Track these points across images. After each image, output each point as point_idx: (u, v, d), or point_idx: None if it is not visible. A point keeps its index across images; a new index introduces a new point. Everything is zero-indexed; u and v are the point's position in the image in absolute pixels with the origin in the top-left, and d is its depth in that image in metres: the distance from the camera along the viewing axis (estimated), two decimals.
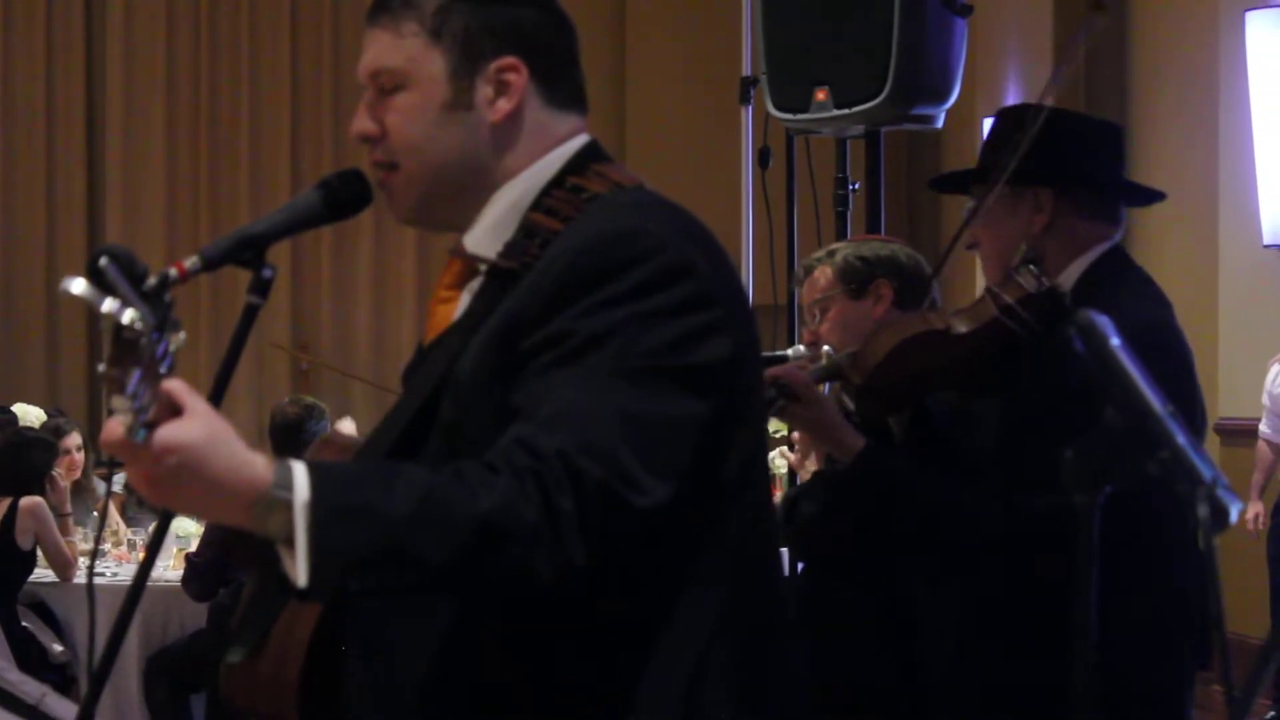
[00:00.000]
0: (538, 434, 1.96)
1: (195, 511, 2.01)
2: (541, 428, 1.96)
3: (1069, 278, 3.20)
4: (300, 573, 1.88)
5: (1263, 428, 8.48)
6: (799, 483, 3.97)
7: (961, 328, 3.14)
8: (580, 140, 2.26)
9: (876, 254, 3.82)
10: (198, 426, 1.87)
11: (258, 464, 1.90)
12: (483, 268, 2.21)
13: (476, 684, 2.09)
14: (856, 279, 3.78)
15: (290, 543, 1.88)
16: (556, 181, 2.21)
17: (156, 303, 1.88)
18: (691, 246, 2.11)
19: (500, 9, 2.23)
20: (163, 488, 1.89)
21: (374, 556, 1.90)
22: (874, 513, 3.20)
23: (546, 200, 2.19)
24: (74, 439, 8.14)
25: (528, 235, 2.17)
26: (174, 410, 1.87)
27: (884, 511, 3.18)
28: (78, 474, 8.06)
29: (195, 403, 1.88)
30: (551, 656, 2.06)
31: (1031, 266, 3.15)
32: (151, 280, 1.96)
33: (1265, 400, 8.43)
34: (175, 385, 1.87)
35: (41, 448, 7.59)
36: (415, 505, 1.90)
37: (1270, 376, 8.40)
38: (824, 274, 3.82)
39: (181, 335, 1.89)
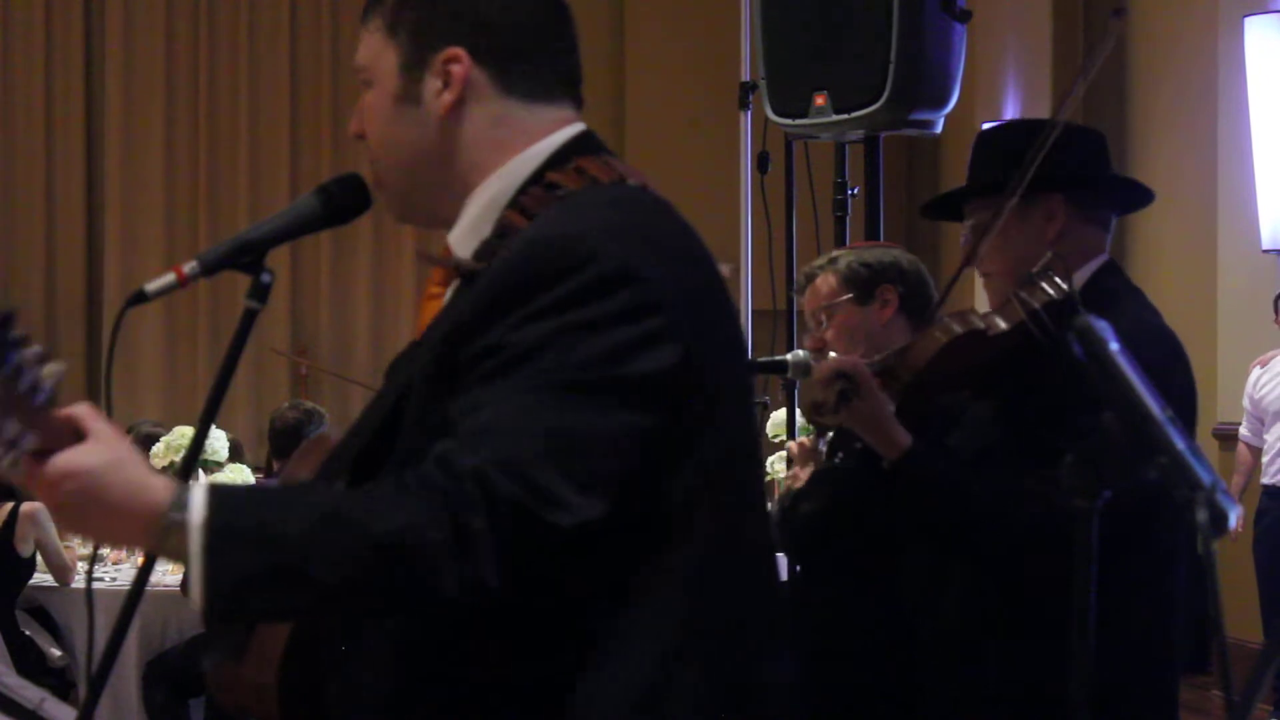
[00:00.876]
0: (458, 450, 1.92)
1: (102, 536, 2.00)
2: (463, 444, 1.92)
3: (1063, 282, 3.20)
4: (195, 593, 1.88)
5: (1243, 431, 8.50)
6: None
7: (996, 330, 3.15)
8: (567, 133, 2.18)
9: (880, 260, 3.83)
10: (96, 452, 1.88)
11: (157, 487, 1.90)
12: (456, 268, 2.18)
13: (430, 693, 2.06)
14: (862, 285, 3.79)
15: (192, 563, 1.88)
16: (535, 177, 2.15)
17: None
18: (638, 250, 2.02)
19: None
20: (67, 514, 1.91)
21: (264, 576, 1.88)
22: (919, 511, 3.19)
23: (522, 198, 2.14)
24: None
25: (500, 235, 2.13)
26: (77, 436, 1.89)
27: (929, 510, 3.18)
28: None
29: (99, 428, 1.90)
30: (506, 666, 2.02)
31: (1051, 273, 3.15)
32: None
33: (1246, 404, 8.45)
34: (80, 411, 1.90)
35: None
36: (310, 525, 1.88)
37: (1251, 380, 8.42)
38: (827, 281, 3.82)
39: (56, 366, 1.91)
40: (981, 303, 3.42)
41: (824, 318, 3.83)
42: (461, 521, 1.88)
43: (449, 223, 2.21)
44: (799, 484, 3.87)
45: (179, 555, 1.88)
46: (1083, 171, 3.30)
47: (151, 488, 1.89)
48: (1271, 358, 8.35)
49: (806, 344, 3.93)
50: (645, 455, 1.98)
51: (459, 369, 2.00)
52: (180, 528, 1.87)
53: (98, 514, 1.90)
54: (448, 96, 2.15)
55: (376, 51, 2.20)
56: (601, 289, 1.97)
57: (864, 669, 3.60)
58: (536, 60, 2.19)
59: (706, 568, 2.05)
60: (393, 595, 1.92)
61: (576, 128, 2.20)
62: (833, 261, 3.86)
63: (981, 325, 3.16)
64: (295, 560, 1.88)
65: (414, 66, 2.17)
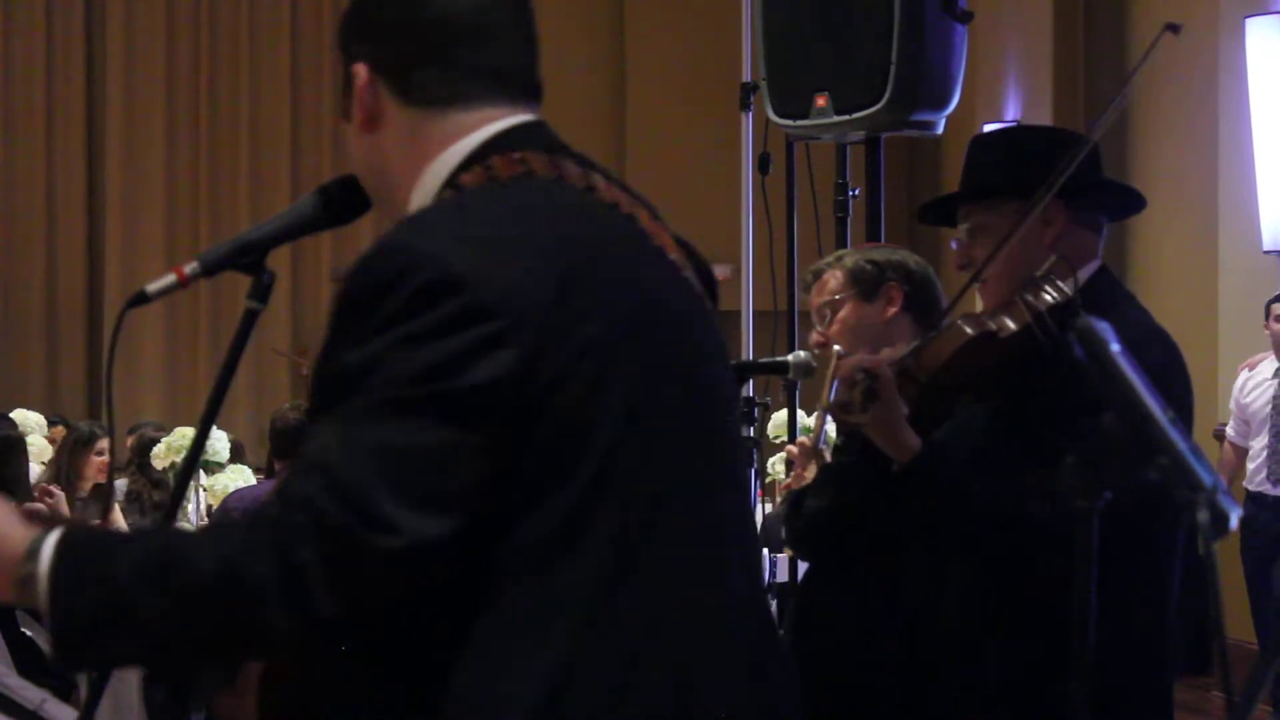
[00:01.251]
0: (293, 479, 1.90)
1: None
2: (300, 473, 1.90)
3: (1067, 285, 3.21)
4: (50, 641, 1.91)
5: (1229, 431, 8.52)
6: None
7: (1006, 331, 3.15)
8: (486, 132, 2.11)
9: (887, 258, 3.85)
10: None
11: (13, 538, 1.92)
12: None
13: (315, 710, 2.05)
14: (868, 282, 3.81)
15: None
16: (449, 181, 2.10)
17: None
18: (474, 254, 1.93)
19: (360, 9, 2.18)
20: None
21: (101, 624, 1.89)
22: (925, 513, 3.19)
23: (437, 200, 2.11)
24: (104, 443, 8.15)
25: None
26: None
27: (936, 512, 3.18)
28: (102, 478, 8.07)
29: None
30: (396, 684, 1.98)
31: (1055, 276, 3.15)
32: None
33: (1232, 405, 8.47)
34: None
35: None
36: (138, 571, 1.88)
37: (1238, 383, 8.44)
38: (834, 277, 3.84)
39: None
40: (975, 304, 3.42)
41: (828, 314, 3.84)
42: (287, 554, 1.86)
43: None
44: (803, 483, 3.87)
45: (40, 605, 1.91)
46: (1080, 177, 3.31)
47: (8, 538, 1.92)
48: (1259, 361, 8.36)
49: (811, 339, 3.94)
50: (489, 467, 1.91)
51: (324, 391, 1.98)
52: (34, 579, 1.90)
53: None
54: (357, 114, 2.15)
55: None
56: (426, 300, 1.91)
57: (867, 667, 3.60)
58: (444, 63, 2.13)
59: (609, 575, 1.97)
60: (223, 634, 1.91)
61: (501, 124, 2.12)
62: (840, 259, 3.89)
63: (994, 327, 3.16)
64: (125, 606, 1.88)
65: (345, 86, 2.17)
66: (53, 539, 1.92)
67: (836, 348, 3.77)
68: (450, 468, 1.89)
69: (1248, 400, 8.37)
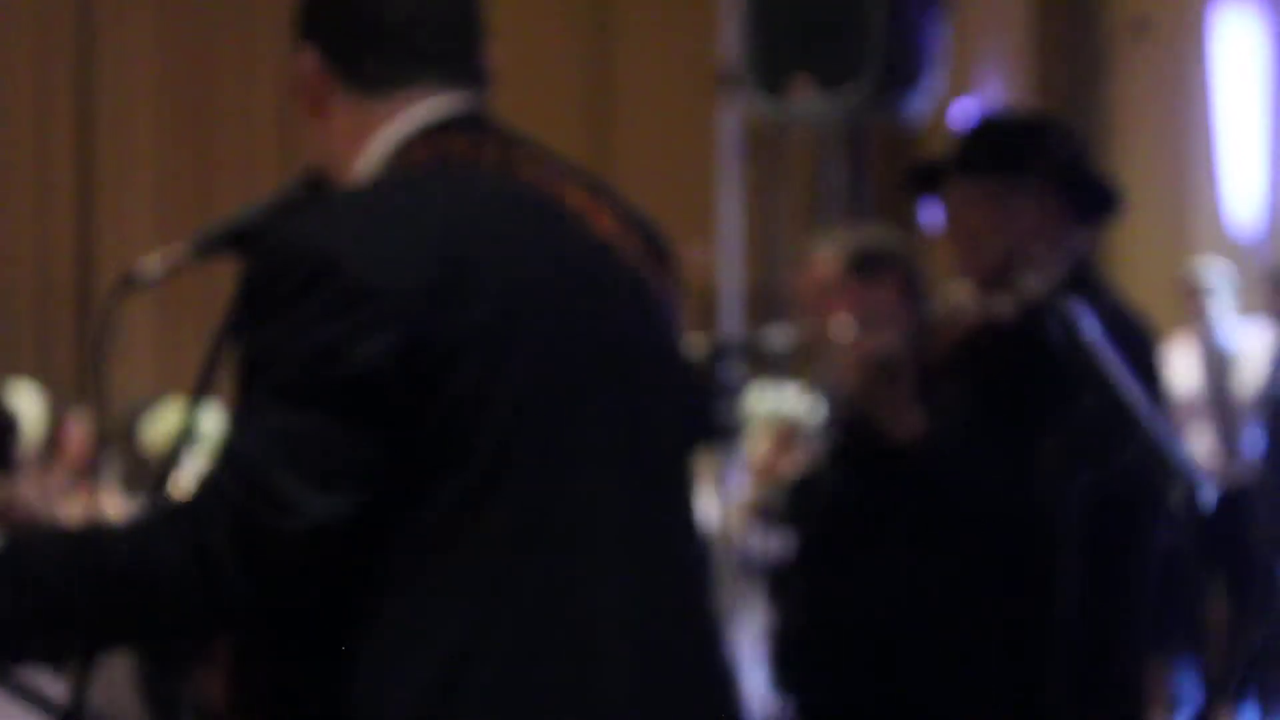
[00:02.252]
0: (208, 469, 1.96)
1: None
2: (213, 462, 1.96)
3: (1051, 279, 3.22)
4: None
5: None
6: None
7: (1000, 318, 3.18)
8: (411, 119, 2.10)
9: (880, 241, 3.84)
10: None
11: None
12: None
13: (235, 697, 2.08)
14: (867, 265, 3.79)
15: None
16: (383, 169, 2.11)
17: None
18: (357, 239, 1.96)
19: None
20: None
21: (28, 621, 1.95)
22: (924, 498, 3.20)
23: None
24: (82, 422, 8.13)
25: None
26: None
27: (936, 497, 3.19)
28: (78, 455, 8.08)
29: None
30: (293, 666, 2.01)
31: (1041, 263, 3.18)
32: None
33: None
34: None
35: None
36: (66, 566, 1.95)
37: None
38: (833, 259, 3.79)
39: None
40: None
41: (829, 295, 3.79)
42: (199, 537, 1.91)
43: None
44: (778, 470, 3.89)
45: None
46: (1064, 167, 3.33)
47: None
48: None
49: (806, 324, 3.88)
50: (383, 446, 1.93)
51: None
52: None
53: None
54: (303, 100, 2.15)
55: None
56: (307, 286, 1.94)
57: (866, 664, 3.61)
58: (379, 46, 2.12)
59: (506, 564, 1.96)
60: (146, 619, 1.98)
61: (429, 108, 2.11)
62: (834, 241, 3.85)
63: (996, 310, 3.18)
64: (50, 602, 1.95)
65: (295, 70, 2.18)
66: None
67: (846, 328, 3.71)
68: (342, 448, 1.92)
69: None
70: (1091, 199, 3.39)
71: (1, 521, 2.23)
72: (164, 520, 1.96)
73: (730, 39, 5.92)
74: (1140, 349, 3.14)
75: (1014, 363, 3.15)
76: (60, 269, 13.35)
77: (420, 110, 2.10)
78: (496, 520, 1.96)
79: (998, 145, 3.35)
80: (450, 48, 2.14)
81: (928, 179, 3.52)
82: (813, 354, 4.04)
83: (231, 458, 1.94)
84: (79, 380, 12.82)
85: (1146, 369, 3.11)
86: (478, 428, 1.95)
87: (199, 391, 2.22)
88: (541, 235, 2.06)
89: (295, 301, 1.94)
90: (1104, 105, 9.88)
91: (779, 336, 4.35)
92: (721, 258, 6.58)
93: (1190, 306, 8.11)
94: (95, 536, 1.99)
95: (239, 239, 2.19)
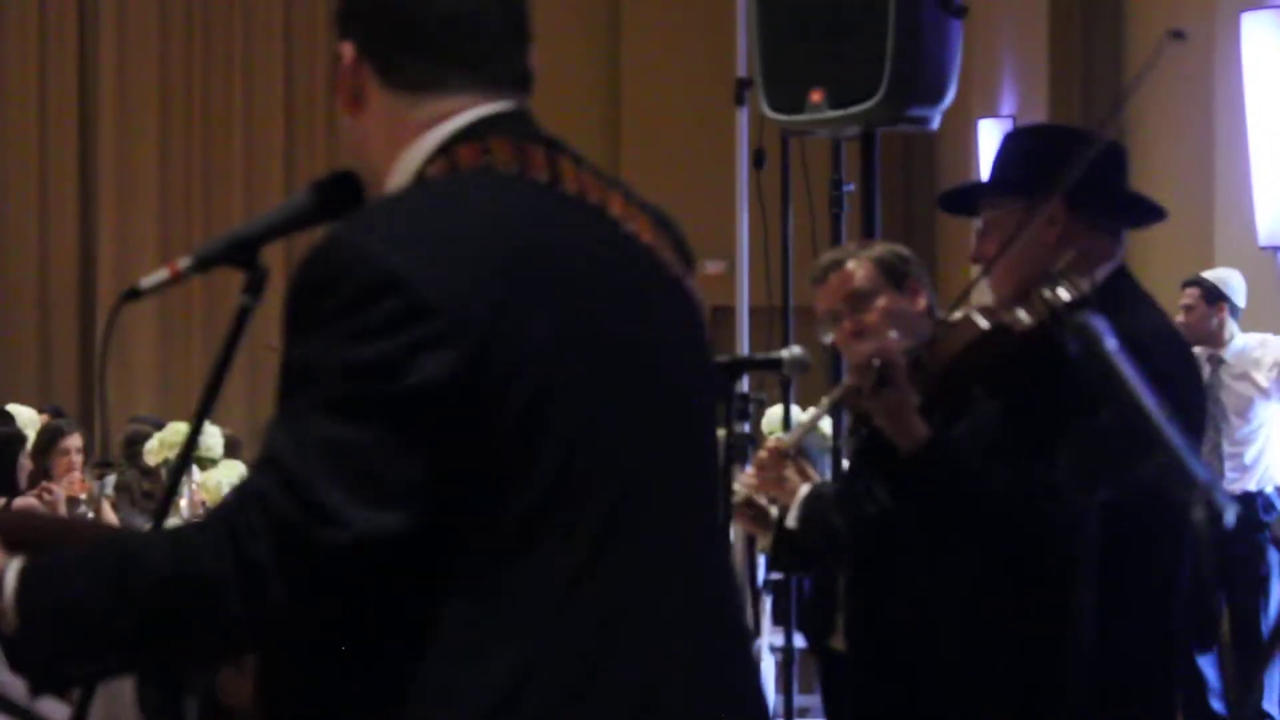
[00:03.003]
0: (251, 477, 1.94)
1: None
2: (256, 470, 1.94)
3: (1084, 282, 3.19)
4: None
5: None
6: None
7: (1020, 326, 3.14)
8: (458, 121, 2.09)
9: (905, 253, 3.85)
10: None
11: None
12: None
13: (276, 709, 2.07)
14: (898, 273, 3.79)
15: None
16: (418, 175, 2.09)
17: None
18: (409, 252, 1.93)
19: None
20: None
21: (74, 648, 1.95)
22: (937, 502, 3.17)
23: (390, 193, 2.11)
24: (74, 440, 8.11)
25: None
26: None
27: (943, 504, 3.16)
28: (76, 475, 8.03)
29: None
30: (347, 682, 1.98)
31: (1071, 272, 3.14)
32: None
33: None
34: None
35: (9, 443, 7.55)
36: (103, 587, 1.93)
37: None
38: (861, 267, 3.77)
39: None
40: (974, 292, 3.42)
41: (859, 304, 3.75)
42: (241, 549, 1.89)
43: None
44: (785, 487, 3.84)
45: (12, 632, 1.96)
46: (1088, 181, 3.30)
47: None
48: None
49: (834, 334, 3.83)
50: (437, 463, 1.91)
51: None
52: (3, 611, 1.95)
53: None
54: (341, 94, 2.14)
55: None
56: (364, 298, 1.92)
57: (869, 666, 3.58)
58: (427, 49, 2.11)
59: (568, 577, 1.96)
60: (187, 634, 1.95)
61: (473, 113, 2.10)
62: (865, 249, 3.85)
63: (1007, 321, 3.15)
64: (92, 626, 1.93)
65: (335, 64, 2.16)
66: (13, 572, 1.96)
67: (893, 334, 3.66)
68: (394, 464, 1.90)
69: None
70: (1118, 211, 3.36)
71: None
72: (203, 531, 1.92)
73: (745, 53, 5.90)
74: (1170, 364, 3.11)
75: (1032, 374, 3.12)
76: (62, 282, 13.35)
77: (464, 114, 2.09)
78: (557, 538, 1.96)
79: (1028, 164, 3.33)
80: (494, 51, 2.13)
81: (960, 201, 3.51)
82: (838, 364, 4.01)
83: (276, 468, 1.91)
84: (81, 394, 12.82)
85: (1177, 385, 3.08)
86: (538, 445, 1.95)
87: (202, 411, 2.20)
88: (592, 248, 2.07)
89: (351, 312, 1.92)
90: (1126, 114, 9.84)
91: (794, 352, 4.32)
92: (738, 273, 6.56)
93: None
94: (133, 549, 1.96)
95: (241, 251, 2.17)
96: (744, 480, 3.97)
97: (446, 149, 2.07)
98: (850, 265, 3.78)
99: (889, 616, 3.50)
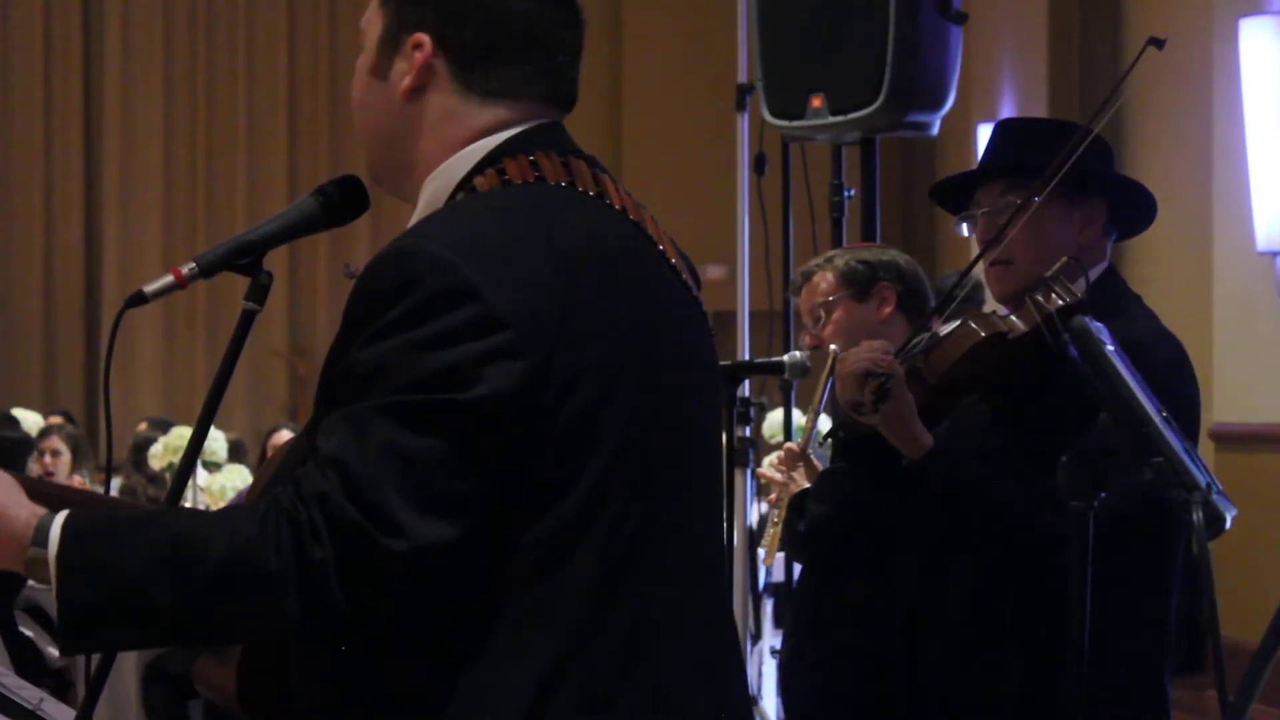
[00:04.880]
0: (308, 475, 1.93)
1: None
2: (314, 468, 1.93)
3: (1077, 288, 3.19)
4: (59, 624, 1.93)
5: None
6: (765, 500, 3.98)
7: (1016, 332, 3.14)
8: (509, 132, 2.13)
9: (877, 258, 3.86)
10: None
11: (20, 519, 1.95)
12: None
13: (315, 702, 2.07)
14: (860, 282, 3.81)
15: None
16: (464, 181, 2.11)
17: None
18: (480, 263, 1.95)
19: None
20: None
21: (111, 609, 1.92)
22: (939, 509, 3.18)
23: (450, 204, 2.12)
24: (51, 442, 8.11)
25: None
26: None
27: (948, 510, 3.17)
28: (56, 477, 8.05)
29: None
30: (382, 681, 2.00)
31: (1064, 277, 3.14)
32: None
33: None
34: None
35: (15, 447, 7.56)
36: (151, 555, 1.91)
37: None
38: (825, 278, 3.85)
39: None
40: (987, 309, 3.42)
41: (821, 314, 3.85)
42: (304, 549, 1.89)
43: (407, 197, 2.19)
44: (795, 486, 3.87)
45: (49, 585, 1.93)
46: (1128, 185, 3.32)
47: (14, 519, 1.95)
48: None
49: (805, 341, 3.95)
50: (496, 475, 1.94)
51: (334, 390, 2.00)
52: (42, 563, 1.93)
53: None
54: (406, 81, 2.13)
55: (370, 17, 2.19)
56: (439, 306, 1.94)
57: (870, 669, 3.60)
58: (507, 58, 2.14)
59: (601, 586, 2.00)
60: (235, 622, 1.95)
61: (524, 125, 2.14)
62: (830, 260, 3.89)
63: (1003, 329, 3.15)
64: (136, 592, 1.91)
65: (389, 43, 2.15)
66: (58, 522, 1.94)
67: (834, 348, 3.77)
68: (457, 474, 1.92)
69: None
70: (1129, 207, 3.35)
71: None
72: (262, 522, 1.91)
73: (746, 59, 5.92)
74: (1168, 364, 3.12)
75: (1028, 381, 3.13)
76: (67, 288, 13.36)
77: (518, 125, 2.12)
78: (592, 547, 1.99)
79: (1021, 150, 3.31)
80: (563, 68, 2.17)
81: (953, 193, 3.48)
82: (814, 373, 4.05)
83: (339, 470, 1.91)
84: (86, 398, 12.83)
85: (1176, 385, 3.09)
86: (585, 458, 1.99)
87: (206, 415, 2.21)
88: (636, 263, 2.11)
89: (424, 320, 1.93)
90: (1124, 119, 9.85)
91: (796, 356, 4.36)
92: (739, 277, 6.57)
93: None
94: (188, 530, 1.94)
95: (245, 256, 2.19)
96: (769, 466, 3.99)
97: (493, 161, 2.10)
98: (816, 277, 3.84)
99: (882, 621, 3.52)
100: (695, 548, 2.13)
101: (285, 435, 8.12)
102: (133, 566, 1.91)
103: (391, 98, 2.15)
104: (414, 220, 2.14)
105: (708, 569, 2.16)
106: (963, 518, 3.15)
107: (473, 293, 1.94)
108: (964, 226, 3.38)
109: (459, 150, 2.12)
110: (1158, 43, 3.19)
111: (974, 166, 3.44)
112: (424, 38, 2.13)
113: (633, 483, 2.02)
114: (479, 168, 2.10)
